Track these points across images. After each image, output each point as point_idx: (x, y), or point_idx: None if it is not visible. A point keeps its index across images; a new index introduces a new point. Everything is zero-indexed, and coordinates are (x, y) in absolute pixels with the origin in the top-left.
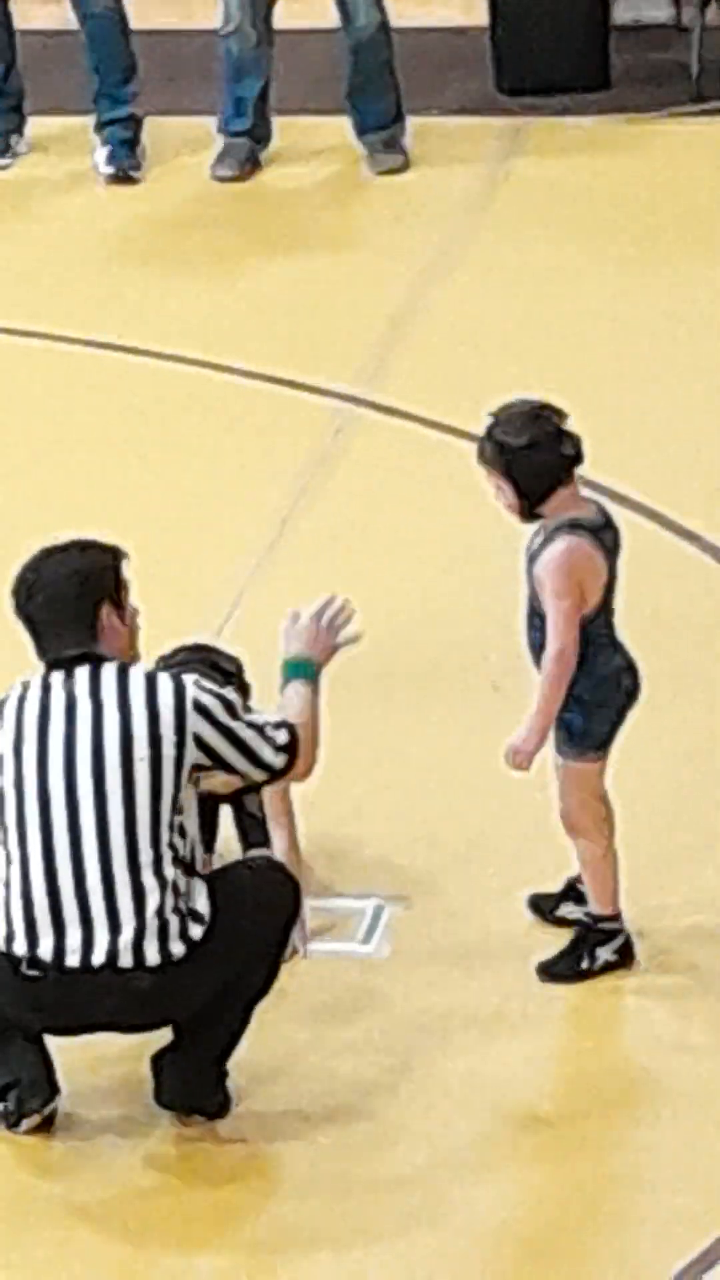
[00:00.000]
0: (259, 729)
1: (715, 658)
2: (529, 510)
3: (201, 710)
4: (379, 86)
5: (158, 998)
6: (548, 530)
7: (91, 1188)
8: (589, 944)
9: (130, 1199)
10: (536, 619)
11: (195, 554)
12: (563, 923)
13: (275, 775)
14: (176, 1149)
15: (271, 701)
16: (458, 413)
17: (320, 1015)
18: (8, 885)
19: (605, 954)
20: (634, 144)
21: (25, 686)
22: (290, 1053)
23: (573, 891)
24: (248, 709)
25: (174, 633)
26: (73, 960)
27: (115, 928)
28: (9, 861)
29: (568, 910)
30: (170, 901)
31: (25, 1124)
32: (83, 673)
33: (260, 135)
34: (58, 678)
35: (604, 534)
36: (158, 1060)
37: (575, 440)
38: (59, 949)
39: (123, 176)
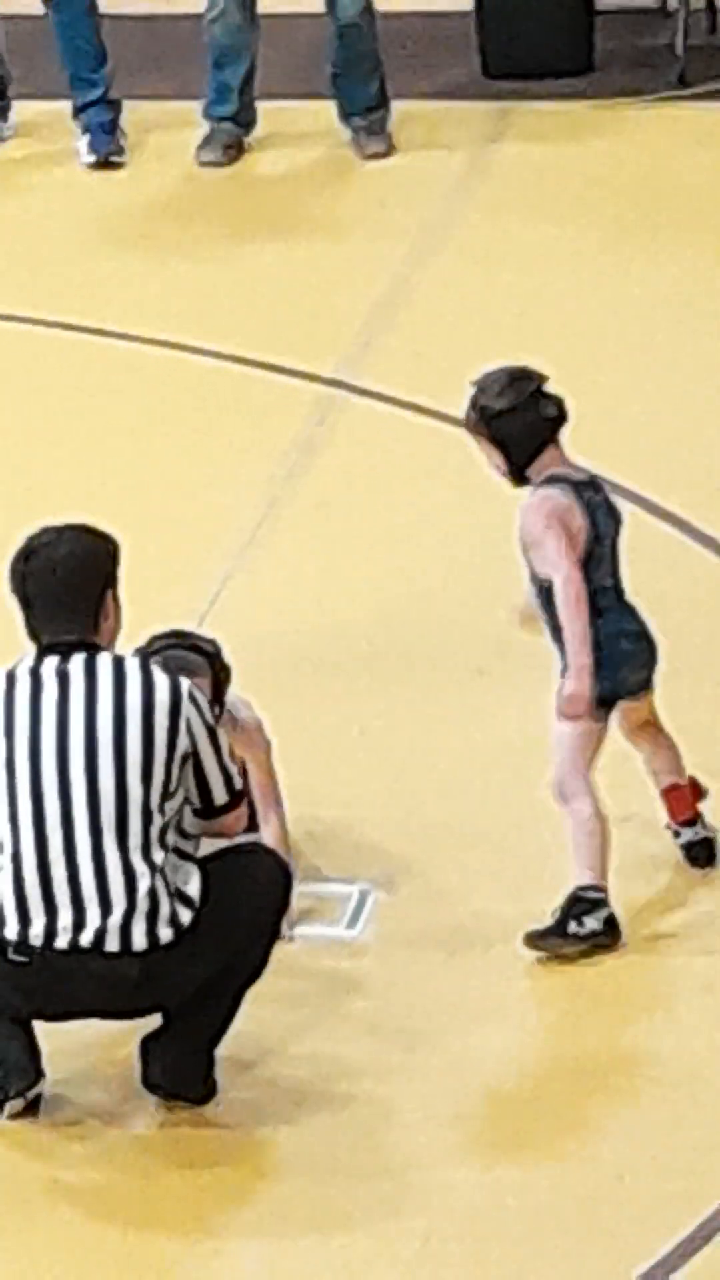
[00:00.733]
0: (230, 756)
1: (702, 639)
2: (518, 473)
3: (194, 700)
4: (364, 71)
5: (145, 983)
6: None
7: (79, 1171)
8: (575, 912)
9: (117, 1183)
10: (538, 587)
11: (180, 538)
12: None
13: (228, 804)
14: (163, 1133)
15: (253, 685)
16: (443, 397)
17: (306, 1000)
18: None
19: (592, 922)
20: (619, 128)
21: (16, 668)
22: (277, 1037)
23: None
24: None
25: (160, 617)
26: (62, 941)
27: (106, 909)
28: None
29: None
30: (161, 885)
31: (8, 1108)
32: (78, 658)
33: (245, 120)
34: (52, 661)
35: (585, 490)
36: (147, 1044)
37: (557, 401)
38: (50, 929)
39: (105, 163)
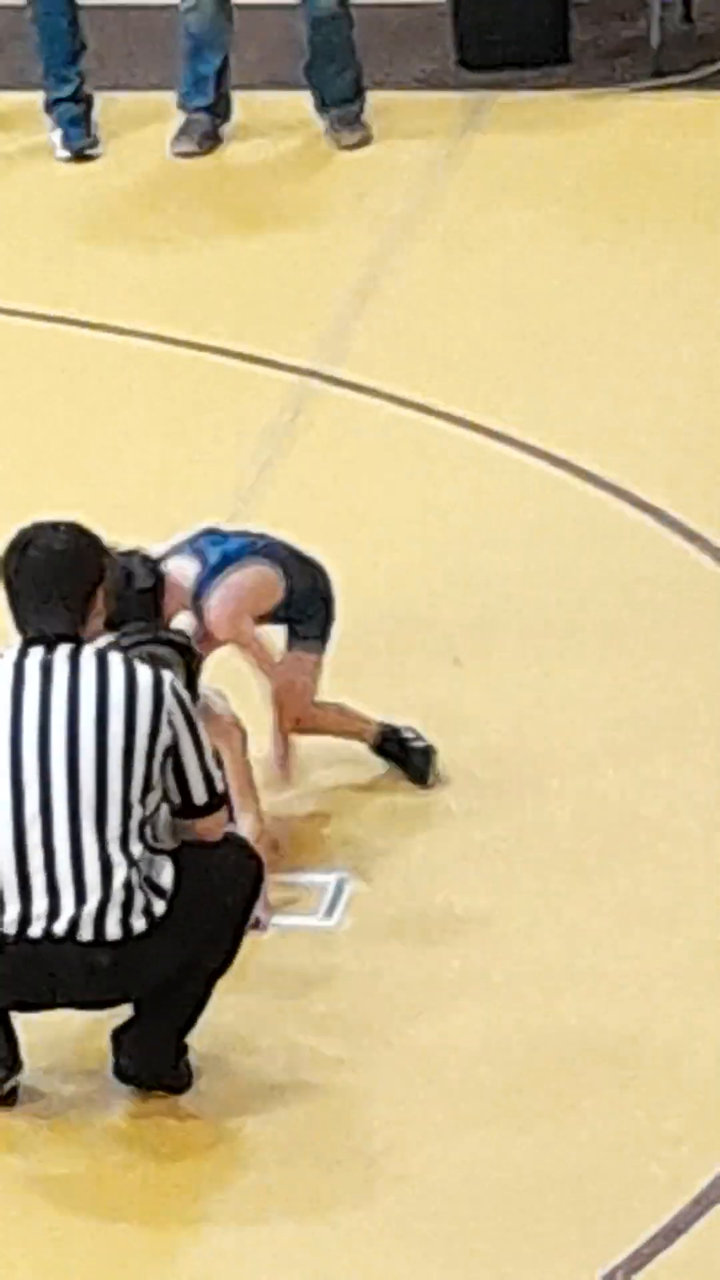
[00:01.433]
0: (213, 757)
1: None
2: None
3: (177, 696)
4: (339, 61)
5: (117, 973)
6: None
7: (54, 1163)
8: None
9: (91, 1174)
10: None
11: (155, 527)
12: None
13: (208, 804)
14: (138, 1124)
15: (228, 674)
16: (420, 387)
17: (282, 989)
18: None
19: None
20: (595, 118)
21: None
22: (253, 1026)
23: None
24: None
25: None
26: (36, 929)
27: (81, 898)
28: None
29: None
30: (136, 876)
31: None
32: (63, 650)
33: (220, 111)
34: (36, 653)
35: None
36: (118, 1035)
37: None
38: (24, 917)
39: (80, 156)
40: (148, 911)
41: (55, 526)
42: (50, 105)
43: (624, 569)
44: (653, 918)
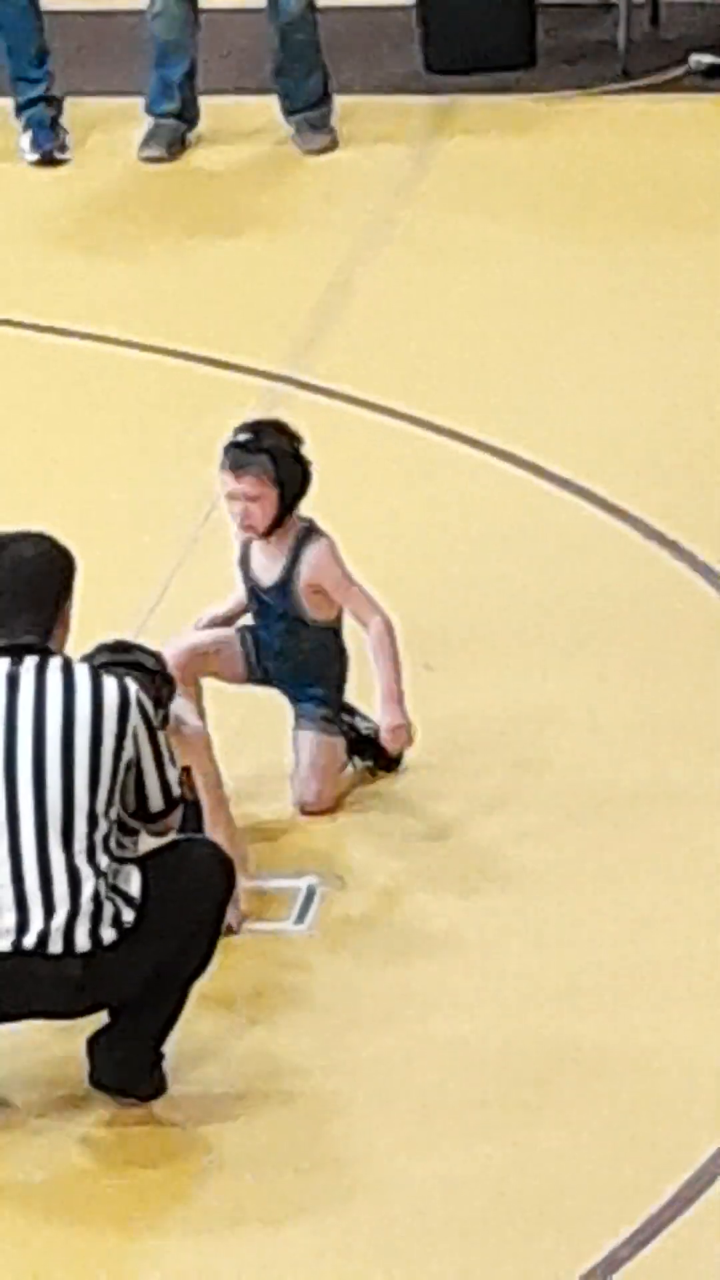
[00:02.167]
0: (172, 758)
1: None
2: (281, 518)
3: (142, 709)
4: (306, 66)
5: (88, 984)
6: (292, 542)
7: (26, 1170)
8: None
9: (66, 1181)
10: (286, 624)
11: (125, 535)
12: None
13: (162, 811)
14: (112, 1131)
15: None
16: (387, 391)
17: (254, 995)
18: None
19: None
20: (562, 122)
21: None
22: (225, 1033)
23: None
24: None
25: (105, 615)
26: (4, 944)
27: (49, 911)
28: None
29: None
30: (104, 887)
31: None
32: (30, 661)
33: (188, 116)
34: (3, 664)
35: None
36: (93, 1042)
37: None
38: None
39: (48, 160)
40: (117, 921)
41: (26, 536)
42: (19, 109)
43: (594, 573)
44: (622, 928)
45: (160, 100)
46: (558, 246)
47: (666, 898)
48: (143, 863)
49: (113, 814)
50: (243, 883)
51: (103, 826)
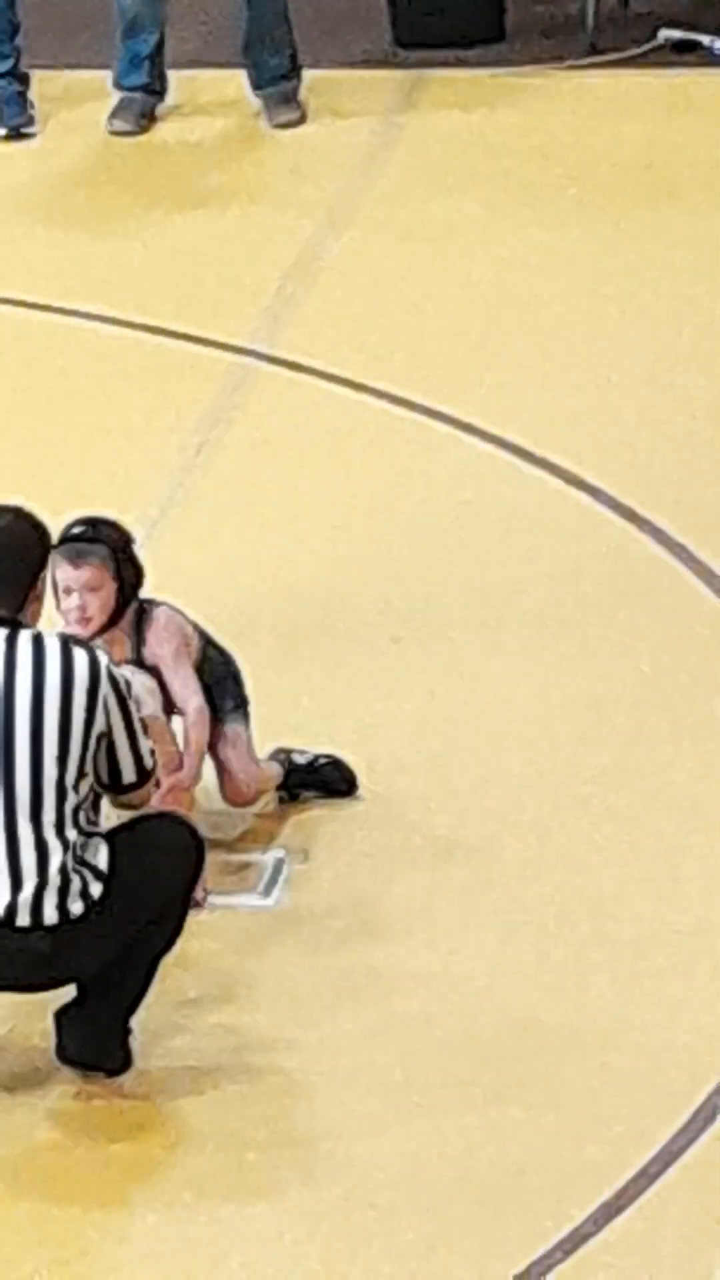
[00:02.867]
0: (143, 727)
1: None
2: (118, 614)
3: (113, 681)
4: (275, 40)
5: (57, 957)
6: (131, 622)
7: None
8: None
9: (32, 1155)
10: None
11: (94, 508)
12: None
13: (135, 783)
14: (78, 1105)
15: None
16: (355, 366)
17: (221, 969)
18: None
19: (298, 757)
20: (530, 97)
21: None
22: (193, 1007)
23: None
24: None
25: None
26: None
27: (17, 884)
28: None
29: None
30: (71, 860)
31: None
32: (0, 632)
33: (156, 89)
34: None
35: None
36: (60, 1016)
37: None
38: None
39: (16, 134)
40: (85, 894)
41: (3, 509)
42: None
43: (563, 548)
44: (587, 908)
45: (129, 73)
46: (526, 221)
47: (632, 878)
48: (111, 837)
49: (83, 787)
50: (210, 855)
51: (72, 799)
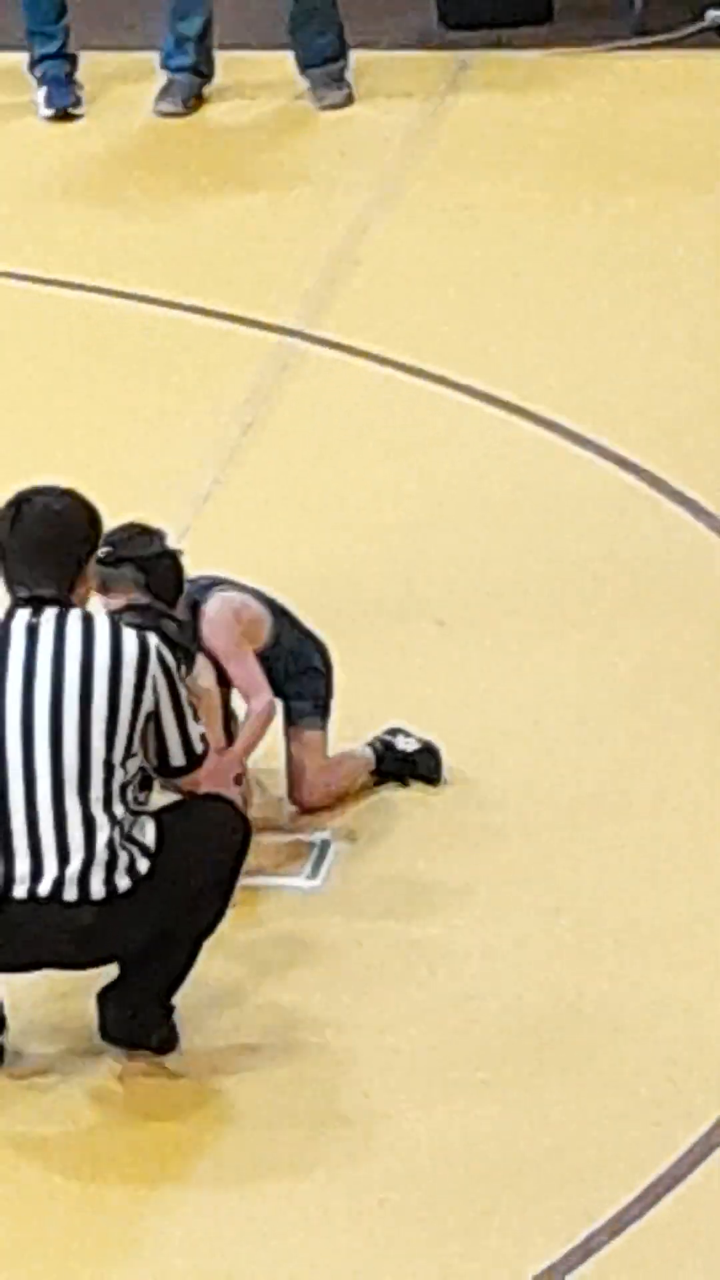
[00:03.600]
0: (193, 711)
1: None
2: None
3: (162, 661)
4: (322, 21)
5: (102, 933)
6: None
7: (37, 1124)
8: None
9: (77, 1135)
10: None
11: (138, 491)
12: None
13: (184, 767)
14: (123, 1084)
15: None
16: (401, 347)
17: (267, 949)
18: None
19: (402, 741)
20: (576, 78)
21: None
22: (238, 987)
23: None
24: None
25: None
26: (20, 891)
27: (64, 859)
28: None
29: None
30: (119, 835)
31: None
32: (50, 613)
33: (203, 71)
34: (23, 615)
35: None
36: (103, 995)
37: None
38: (7, 877)
39: (64, 115)
40: (132, 869)
41: (53, 490)
42: (33, 64)
43: (611, 531)
44: (631, 888)
45: (176, 55)
46: (571, 203)
47: (675, 857)
48: (159, 816)
49: (131, 766)
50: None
51: (119, 776)
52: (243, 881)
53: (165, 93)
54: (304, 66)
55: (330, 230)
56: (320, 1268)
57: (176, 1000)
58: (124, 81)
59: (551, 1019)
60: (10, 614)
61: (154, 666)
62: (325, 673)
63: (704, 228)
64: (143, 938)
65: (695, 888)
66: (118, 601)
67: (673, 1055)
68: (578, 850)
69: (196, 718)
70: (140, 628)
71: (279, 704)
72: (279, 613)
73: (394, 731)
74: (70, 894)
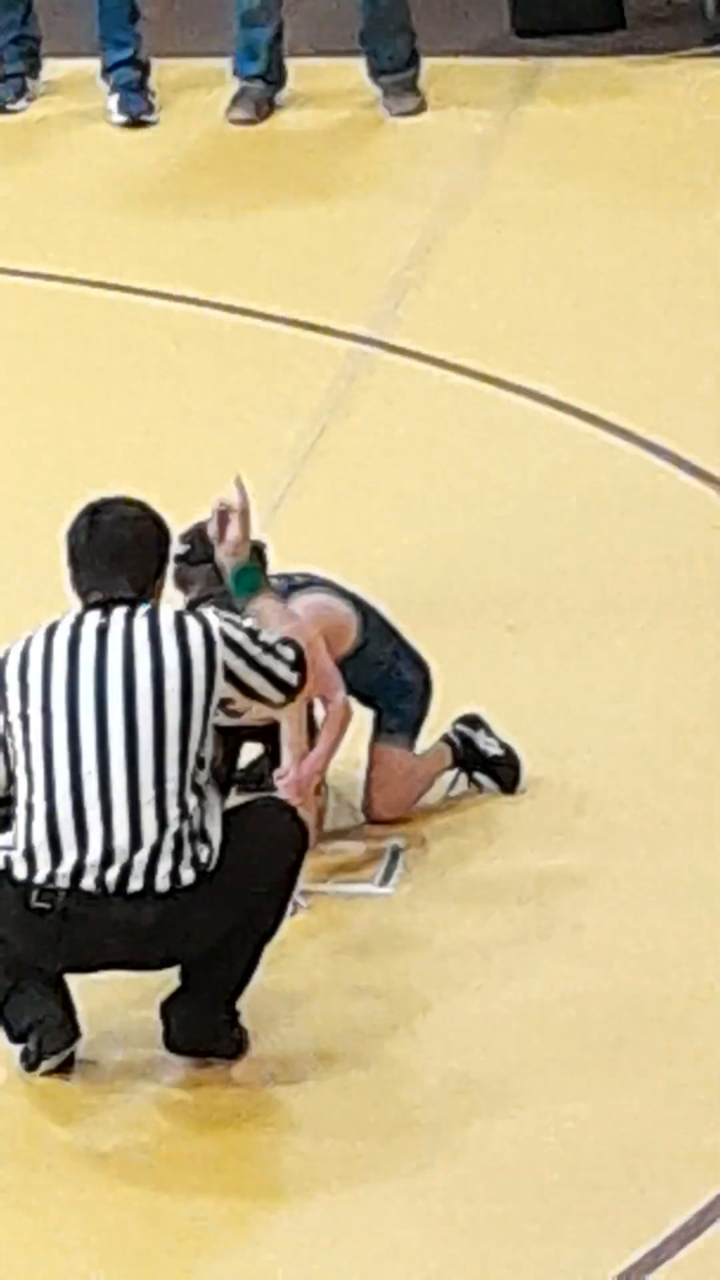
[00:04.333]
0: (272, 650)
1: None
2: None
3: (229, 642)
4: (393, 28)
5: (163, 930)
6: None
7: (107, 1132)
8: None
9: (146, 1142)
10: None
11: (213, 495)
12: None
13: (291, 692)
14: (191, 1092)
15: None
16: (472, 354)
17: (338, 956)
18: (30, 809)
19: (483, 739)
20: (648, 85)
21: (58, 622)
22: (309, 993)
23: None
24: (255, 632)
25: None
26: (88, 881)
27: (136, 846)
28: (31, 788)
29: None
30: (187, 828)
31: (45, 1065)
32: (118, 613)
33: (275, 78)
34: (93, 617)
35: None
36: (166, 1006)
37: None
38: (79, 866)
39: (136, 122)
40: (196, 863)
41: (128, 501)
42: (106, 71)
43: (679, 534)
44: (705, 889)
45: (247, 62)
46: (642, 210)
47: None
48: (223, 817)
49: (205, 756)
50: (328, 845)
51: (191, 766)
52: (315, 888)
53: (237, 101)
54: (376, 74)
55: (401, 237)
56: (391, 1278)
57: (243, 1006)
58: (195, 89)
59: (627, 1023)
60: (80, 618)
61: (220, 651)
62: (422, 695)
63: None
64: (202, 942)
65: None
66: (190, 596)
67: None
68: (652, 852)
69: (272, 652)
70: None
71: (368, 713)
72: (373, 622)
73: (475, 724)
74: (136, 884)
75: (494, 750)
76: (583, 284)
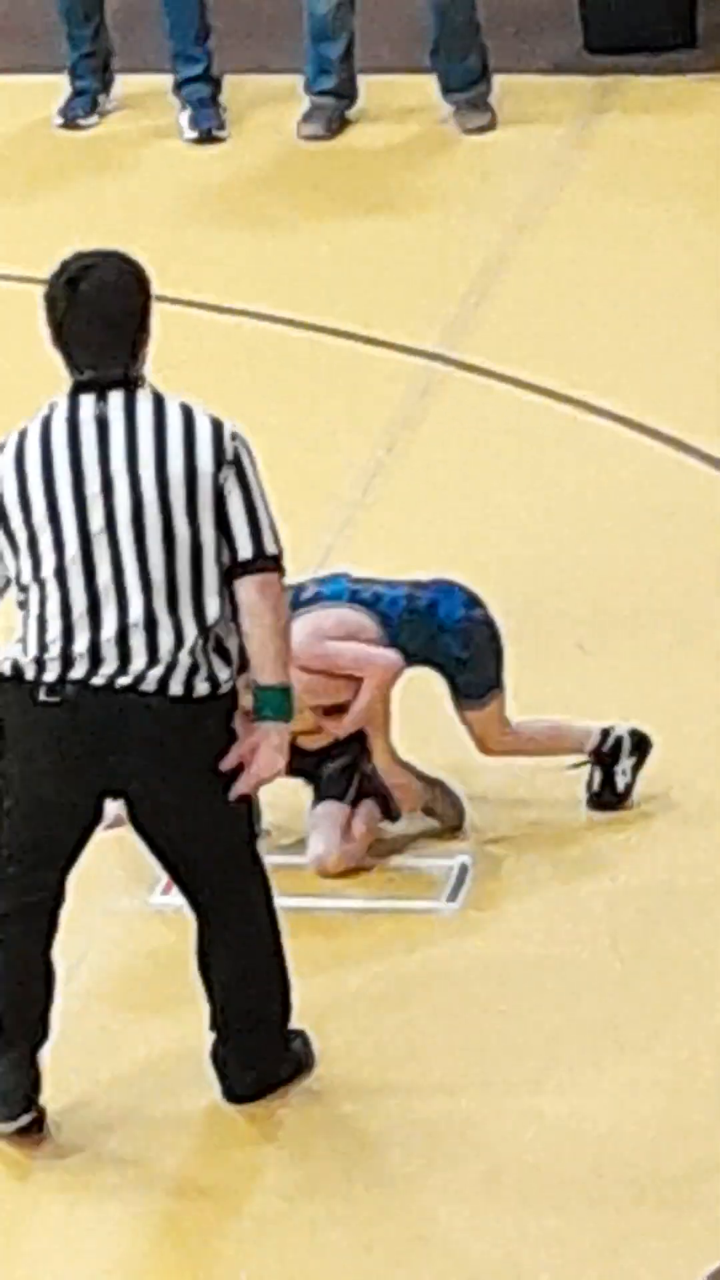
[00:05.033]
0: (267, 508)
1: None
2: None
3: (238, 440)
4: (464, 45)
5: (175, 731)
6: None
7: (193, 1164)
8: (607, 767)
9: (196, 1164)
10: None
11: (282, 512)
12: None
13: (267, 563)
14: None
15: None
16: (543, 371)
17: (405, 973)
18: (42, 621)
19: (625, 763)
20: None
21: (51, 416)
22: (374, 1010)
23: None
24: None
25: None
26: (99, 679)
27: (152, 661)
28: (44, 599)
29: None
30: (203, 644)
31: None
32: (116, 399)
33: (346, 94)
34: (88, 403)
35: None
36: (217, 1058)
37: None
38: (94, 655)
39: (207, 138)
40: (212, 678)
41: (105, 256)
42: (178, 86)
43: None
44: None
45: (318, 78)
46: (715, 227)
47: None
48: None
49: (223, 556)
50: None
51: (210, 571)
52: (382, 905)
53: (309, 117)
54: (447, 90)
55: (473, 254)
56: None
57: (308, 1026)
58: (267, 105)
59: (694, 1037)
60: (74, 402)
61: (229, 445)
62: (481, 653)
63: None
64: (184, 828)
65: None
66: None
67: None
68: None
69: (269, 512)
70: None
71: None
72: (395, 619)
73: (639, 747)
74: (150, 685)
75: (623, 780)
76: (655, 301)
